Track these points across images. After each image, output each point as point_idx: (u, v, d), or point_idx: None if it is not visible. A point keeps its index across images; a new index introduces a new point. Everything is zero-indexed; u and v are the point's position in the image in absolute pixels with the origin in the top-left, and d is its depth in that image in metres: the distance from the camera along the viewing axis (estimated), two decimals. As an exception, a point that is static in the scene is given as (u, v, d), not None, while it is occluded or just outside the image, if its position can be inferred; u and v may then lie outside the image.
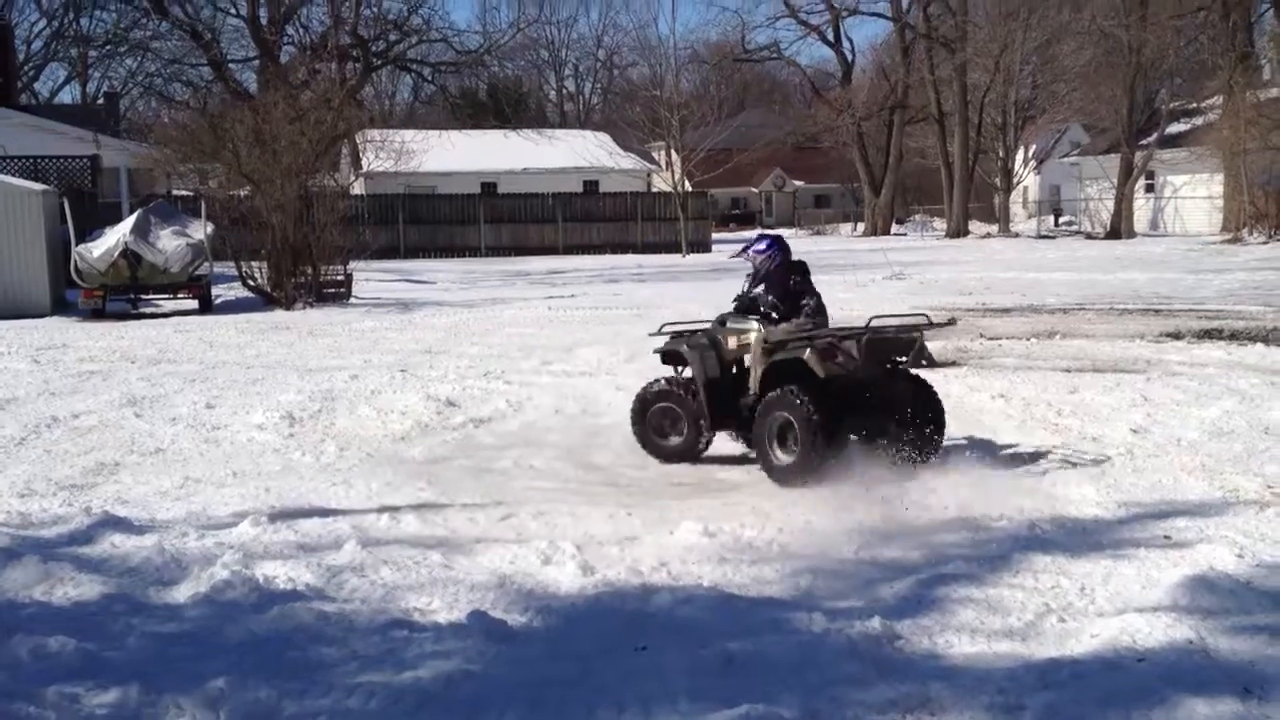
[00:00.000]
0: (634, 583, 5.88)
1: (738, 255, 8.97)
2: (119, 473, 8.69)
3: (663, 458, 8.83)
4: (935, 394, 8.52)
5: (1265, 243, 38.48)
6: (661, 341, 9.11)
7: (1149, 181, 51.15)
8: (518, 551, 6.33)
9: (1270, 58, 43.88)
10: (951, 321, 10.32)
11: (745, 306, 8.71)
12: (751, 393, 8.39)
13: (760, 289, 8.71)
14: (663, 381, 9.00)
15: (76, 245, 20.81)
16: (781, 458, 8.04)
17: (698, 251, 43.12)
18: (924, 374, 8.57)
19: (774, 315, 8.55)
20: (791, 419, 7.91)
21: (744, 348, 8.58)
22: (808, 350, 7.93)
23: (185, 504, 7.66)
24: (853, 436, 7.94)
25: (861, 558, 6.29)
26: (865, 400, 8.19)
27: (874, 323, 8.32)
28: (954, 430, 9.46)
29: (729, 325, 8.71)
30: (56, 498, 7.85)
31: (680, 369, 9.01)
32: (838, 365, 7.92)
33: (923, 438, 8.16)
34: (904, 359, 8.30)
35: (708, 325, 8.97)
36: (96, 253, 20.69)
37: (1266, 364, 12.50)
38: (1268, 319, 16.93)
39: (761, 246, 8.73)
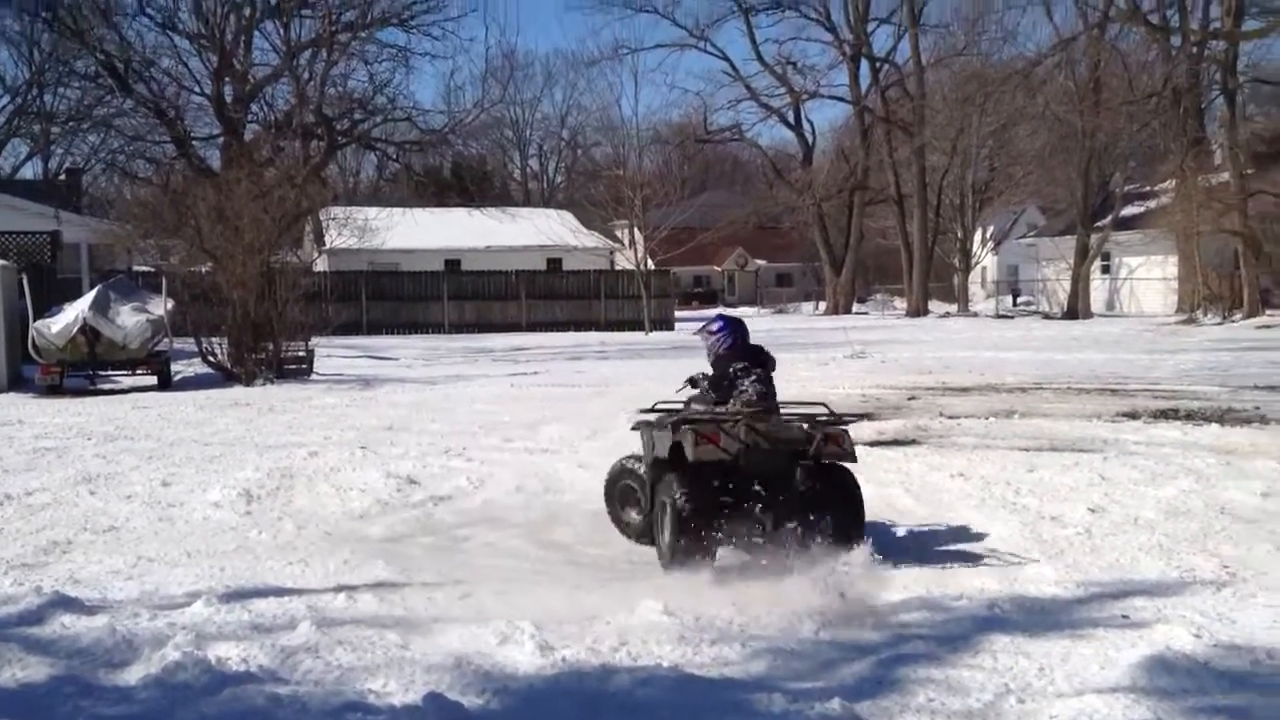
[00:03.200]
0: (593, 663, 5.83)
1: (697, 333, 8.83)
2: (71, 551, 8.56)
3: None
4: (851, 487, 7.88)
5: (1219, 324, 39.05)
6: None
7: (1105, 263, 51.95)
8: (476, 631, 6.26)
9: (1221, 143, 44.82)
10: (864, 416, 10.06)
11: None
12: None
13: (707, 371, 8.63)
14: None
15: (35, 321, 20.66)
16: (662, 541, 7.80)
17: (661, 329, 43.31)
18: (846, 464, 7.92)
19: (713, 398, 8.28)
20: (666, 503, 7.67)
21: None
22: (687, 433, 7.60)
23: (138, 583, 7.54)
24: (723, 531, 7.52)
25: (822, 638, 6.27)
26: (752, 492, 7.62)
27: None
28: (914, 509, 9.52)
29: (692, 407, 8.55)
30: (7, 577, 7.70)
31: None
32: (716, 451, 7.50)
33: (836, 533, 7.45)
34: (806, 452, 7.69)
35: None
36: (55, 328, 20.54)
37: (1221, 444, 12.62)
38: (1223, 399, 17.12)
39: (715, 327, 8.51)
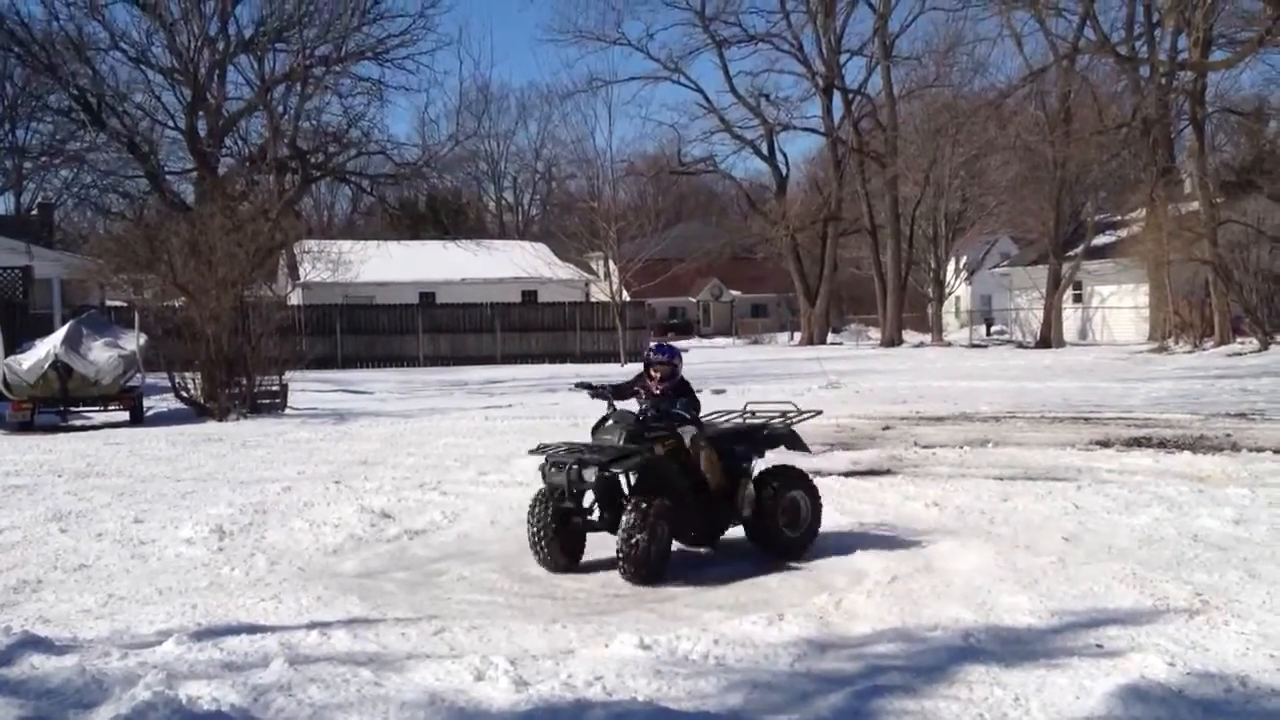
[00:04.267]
0: (568, 698, 5.79)
1: (662, 358, 9.26)
2: (41, 590, 8.48)
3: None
4: None
5: (1190, 352, 39.32)
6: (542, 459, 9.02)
7: (1077, 291, 52.33)
8: (450, 667, 6.22)
9: (1190, 172, 45.27)
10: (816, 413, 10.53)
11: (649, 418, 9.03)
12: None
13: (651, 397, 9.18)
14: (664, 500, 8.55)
15: (5, 357, 20.52)
16: (791, 535, 9.06)
17: (636, 360, 43.32)
18: None
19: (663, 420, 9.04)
20: (804, 498, 9.17)
21: (670, 451, 8.79)
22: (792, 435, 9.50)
23: (109, 622, 7.47)
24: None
25: (797, 670, 6.26)
26: None
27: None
28: (890, 538, 9.52)
29: (650, 435, 8.82)
30: (-25, 617, 7.63)
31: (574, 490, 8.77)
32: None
33: None
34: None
35: (580, 442, 9.18)
36: (26, 364, 20.40)
37: (1194, 471, 12.70)
38: (1195, 427, 17.23)
39: (675, 352, 9.33)
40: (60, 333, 21.37)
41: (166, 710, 5.50)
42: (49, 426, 20.55)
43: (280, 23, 40.47)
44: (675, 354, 9.28)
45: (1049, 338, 48.12)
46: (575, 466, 8.56)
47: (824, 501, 9.42)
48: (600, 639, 6.81)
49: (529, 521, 8.80)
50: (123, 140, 39.62)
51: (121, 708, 5.57)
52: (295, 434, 18.91)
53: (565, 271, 55.61)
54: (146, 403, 22.00)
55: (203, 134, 39.69)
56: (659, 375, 9.14)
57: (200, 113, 39.87)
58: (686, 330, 73.20)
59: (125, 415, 21.35)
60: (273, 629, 7.16)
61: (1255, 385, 24.77)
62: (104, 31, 39.49)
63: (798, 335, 63.04)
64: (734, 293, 77.31)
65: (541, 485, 8.92)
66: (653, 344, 9.51)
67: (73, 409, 21.25)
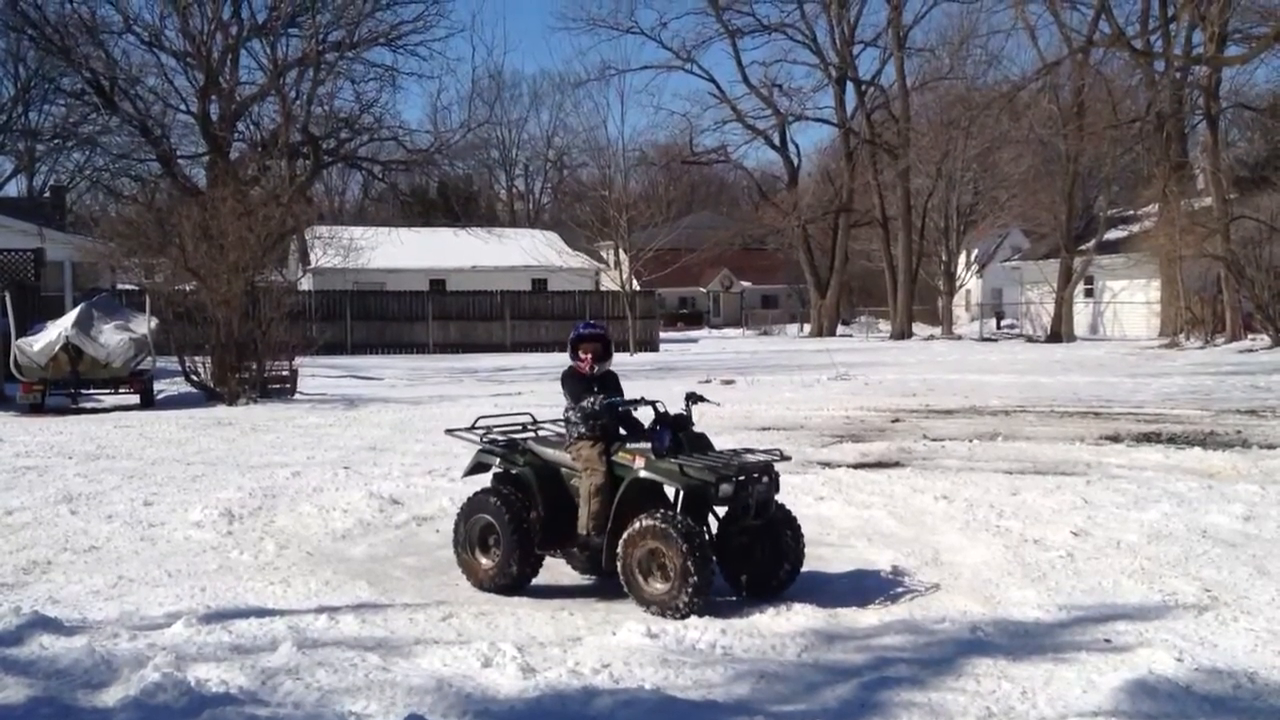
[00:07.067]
0: (575, 685, 5.80)
1: (584, 330, 8.05)
2: (51, 571, 8.51)
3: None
4: None
5: (1202, 347, 39.20)
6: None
7: (1088, 286, 52.16)
8: (458, 653, 6.24)
9: (1203, 167, 45.09)
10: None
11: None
12: None
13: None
14: None
15: (17, 339, 20.57)
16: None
17: (645, 350, 43.36)
18: None
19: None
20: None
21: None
22: None
23: (118, 604, 7.50)
24: None
25: (804, 660, 6.26)
26: None
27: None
28: (897, 532, 9.52)
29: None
30: (-15, 597, 7.66)
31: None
32: None
33: None
34: None
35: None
36: (37, 346, 20.45)
37: (1204, 467, 12.67)
38: (1205, 423, 17.18)
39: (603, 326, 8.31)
40: (71, 315, 21.40)
41: (175, 691, 5.52)
42: (59, 408, 20.61)
43: (293, 8, 40.33)
44: (604, 327, 8.22)
45: (1059, 332, 47.98)
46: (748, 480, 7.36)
47: (834, 493, 9.33)
48: (607, 627, 6.83)
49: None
50: (135, 124, 39.52)
51: (130, 689, 5.59)
52: (305, 419, 18.93)
53: (576, 260, 55.62)
54: (157, 386, 22.03)
55: (215, 118, 39.63)
56: (589, 355, 7.94)
57: (213, 97, 39.75)
58: (696, 321, 73.16)
59: (135, 398, 21.38)
60: (281, 613, 7.19)
61: (1266, 382, 24.68)
62: (117, 14, 39.31)
63: (807, 327, 62.97)
64: (744, 283, 77.24)
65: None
66: (579, 325, 8.08)
67: (83, 391, 21.31)
